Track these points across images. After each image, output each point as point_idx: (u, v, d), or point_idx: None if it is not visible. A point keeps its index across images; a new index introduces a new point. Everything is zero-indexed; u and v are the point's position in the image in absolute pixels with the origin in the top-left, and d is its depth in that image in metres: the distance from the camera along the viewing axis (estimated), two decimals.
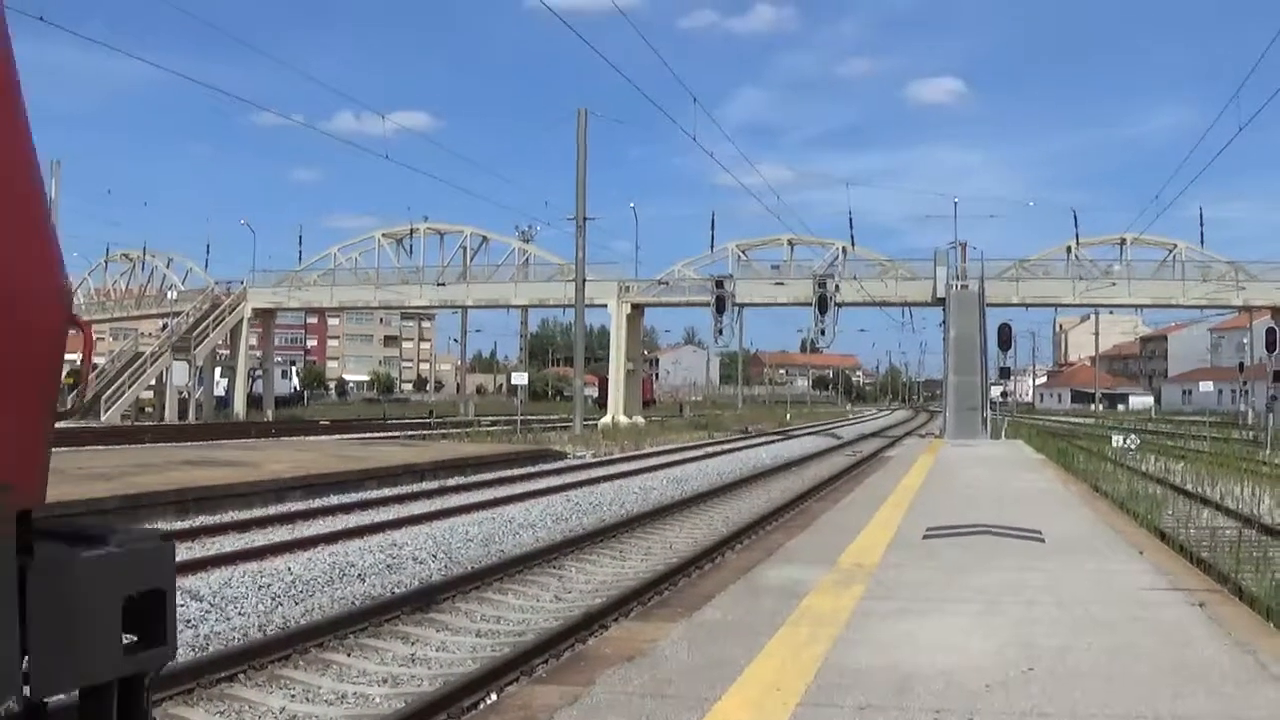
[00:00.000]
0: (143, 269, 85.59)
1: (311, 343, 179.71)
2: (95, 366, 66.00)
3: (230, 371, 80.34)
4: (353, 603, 12.81)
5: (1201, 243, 69.39)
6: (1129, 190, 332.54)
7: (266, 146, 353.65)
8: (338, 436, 47.21)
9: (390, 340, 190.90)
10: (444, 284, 74.11)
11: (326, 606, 12.67)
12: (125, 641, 3.47)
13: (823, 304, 61.97)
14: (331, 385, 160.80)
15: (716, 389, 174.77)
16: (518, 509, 21.63)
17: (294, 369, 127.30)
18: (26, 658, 3.14)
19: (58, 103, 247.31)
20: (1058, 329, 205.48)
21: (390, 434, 41.06)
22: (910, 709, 5.98)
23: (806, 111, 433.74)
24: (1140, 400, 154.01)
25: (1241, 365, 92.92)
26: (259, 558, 15.25)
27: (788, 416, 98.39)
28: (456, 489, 24.93)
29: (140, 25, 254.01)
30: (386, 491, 23.92)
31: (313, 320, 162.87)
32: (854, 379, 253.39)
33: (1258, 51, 58.69)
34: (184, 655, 9.54)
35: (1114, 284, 67.29)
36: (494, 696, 8.47)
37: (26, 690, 3.14)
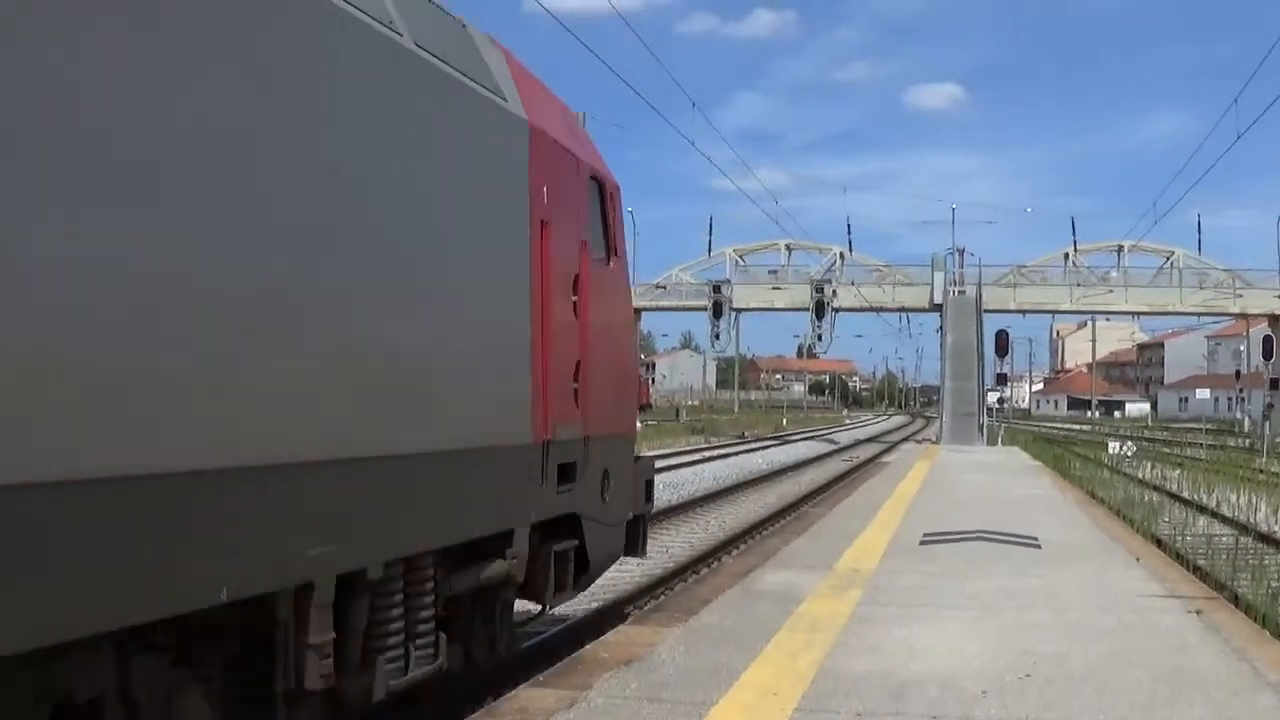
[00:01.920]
0: None
1: None
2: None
3: None
4: None
5: (1199, 250, 69.67)
6: (1127, 197, 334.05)
7: None
8: None
9: None
10: None
11: None
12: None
13: (820, 309, 62.04)
14: None
15: (713, 394, 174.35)
16: None
17: None
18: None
19: None
20: (1055, 335, 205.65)
21: None
22: (906, 714, 5.98)
23: (805, 116, 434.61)
24: (1137, 407, 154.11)
25: (1238, 373, 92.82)
26: None
27: (784, 421, 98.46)
28: None
29: None
30: None
31: None
32: (851, 384, 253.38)
33: (1257, 58, 58.94)
34: None
35: (1111, 290, 67.45)
36: (492, 699, 8.46)
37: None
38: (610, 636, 8.09)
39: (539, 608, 9.21)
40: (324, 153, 5.64)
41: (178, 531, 4.57)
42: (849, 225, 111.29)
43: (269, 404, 5.16)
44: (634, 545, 10.82)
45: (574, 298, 8.89)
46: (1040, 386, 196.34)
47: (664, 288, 71.32)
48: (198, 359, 4.70)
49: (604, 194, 10.07)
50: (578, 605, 12.01)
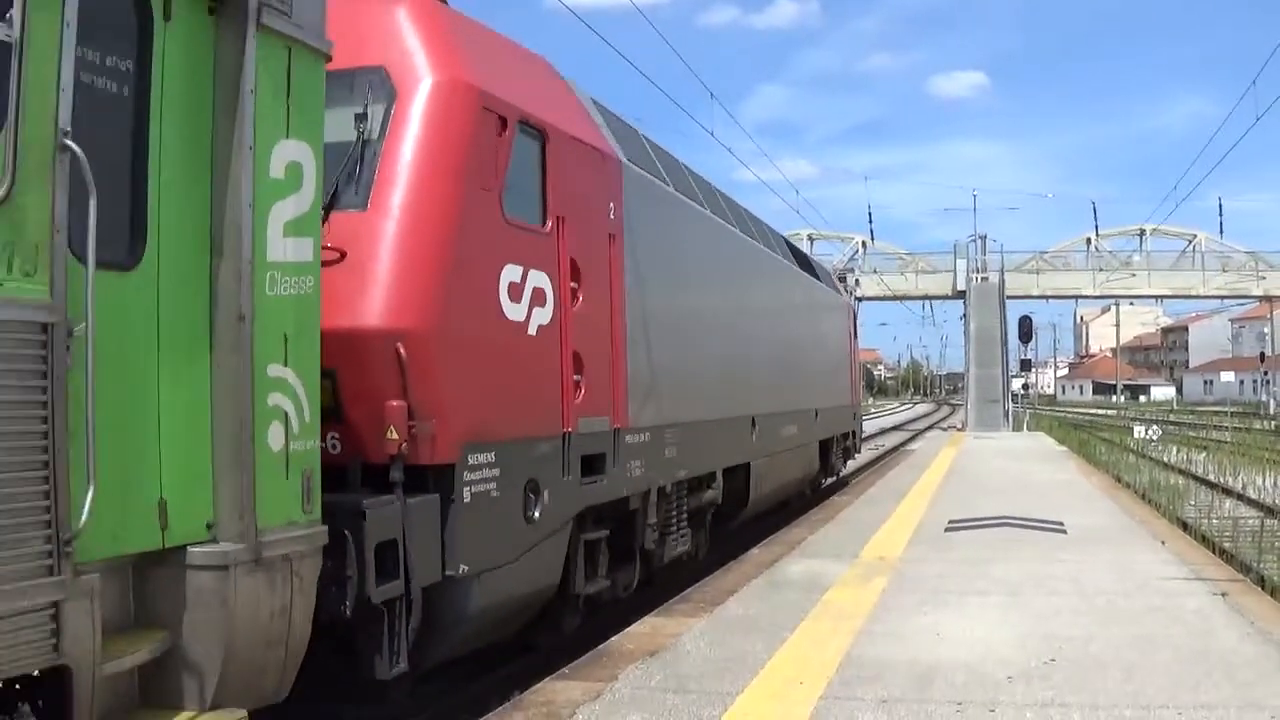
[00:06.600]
0: None
1: None
2: None
3: None
4: None
5: (1221, 233, 69.23)
6: (1148, 182, 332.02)
7: None
8: None
9: None
10: None
11: None
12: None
13: None
14: None
15: None
16: None
17: None
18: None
19: None
20: (1078, 321, 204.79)
21: None
22: (932, 701, 6.00)
23: (828, 107, 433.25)
24: (1162, 391, 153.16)
25: (1263, 355, 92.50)
26: None
27: None
28: None
29: None
30: None
31: None
32: (875, 373, 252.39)
33: (1275, 39, 58.27)
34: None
35: (1134, 275, 67.03)
36: (518, 692, 8.50)
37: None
38: (636, 628, 8.12)
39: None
40: (819, 334, 22.10)
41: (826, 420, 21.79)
42: (870, 214, 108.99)
43: (814, 396, 20.14)
44: (858, 451, 27.26)
45: (851, 350, 26.20)
46: (1065, 371, 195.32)
47: None
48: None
49: (855, 311, 29.28)
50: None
